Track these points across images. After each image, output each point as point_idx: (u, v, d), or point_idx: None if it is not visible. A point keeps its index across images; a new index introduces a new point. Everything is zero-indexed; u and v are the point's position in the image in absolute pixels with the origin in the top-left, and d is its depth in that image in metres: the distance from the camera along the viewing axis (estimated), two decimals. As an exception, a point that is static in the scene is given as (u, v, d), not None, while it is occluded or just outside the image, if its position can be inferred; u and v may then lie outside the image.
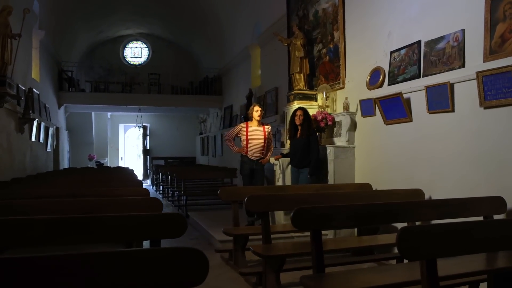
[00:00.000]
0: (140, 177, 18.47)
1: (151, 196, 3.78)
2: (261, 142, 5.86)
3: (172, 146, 18.55)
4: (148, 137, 18.73)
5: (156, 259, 1.53)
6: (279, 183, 5.93)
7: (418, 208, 3.07)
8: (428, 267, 1.86)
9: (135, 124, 16.89)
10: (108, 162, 17.19)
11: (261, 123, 5.95)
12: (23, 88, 7.56)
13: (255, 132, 5.86)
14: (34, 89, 8.63)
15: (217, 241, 5.37)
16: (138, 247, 3.18)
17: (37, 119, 8.32)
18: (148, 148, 18.64)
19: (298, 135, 5.65)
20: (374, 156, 5.27)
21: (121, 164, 18.28)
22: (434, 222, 3.38)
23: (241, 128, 5.95)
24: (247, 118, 10.40)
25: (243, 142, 5.92)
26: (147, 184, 17.33)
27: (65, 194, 3.75)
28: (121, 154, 19.07)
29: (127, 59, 17.58)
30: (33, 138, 8.13)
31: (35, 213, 2.86)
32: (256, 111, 5.85)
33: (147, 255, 1.54)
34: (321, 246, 2.69)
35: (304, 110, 5.62)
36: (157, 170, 13.48)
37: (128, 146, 20.22)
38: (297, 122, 5.60)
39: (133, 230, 2.39)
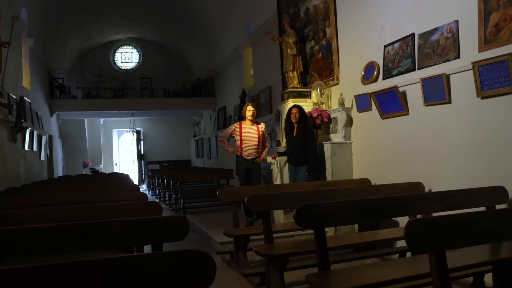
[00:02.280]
0: (136, 182, 18.41)
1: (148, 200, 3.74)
2: (255, 141, 5.82)
3: (167, 149, 18.46)
4: (142, 142, 18.63)
5: (162, 263, 1.50)
6: (277, 182, 5.90)
7: (420, 201, 3.06)
8: (438, 259, 1.84)
9: (128, 129, 16.77)
10: (103, 168, 17.06)
11: (254, 122, 5.91)
12: (14, 97, 7.46)
13: (248, 132, 5.82)
14: (25, 98, 8.51)
15: (217, 243, 5.34)
16: (139, 252, 3.14)
17: (29, 128, 8.22)
18: (142, 152, 18.53)
19: (294, 133, 5.62)
20: (372, 151, 5.26)
21: (116, 170, 18.16)
22: (436, 214, 3.37)
23: (235, 128, 5.91)
24: (242, 118, 10.40)
25: (238, 142, 5.88)
26: (143, 188, 17.23)
27: (64, 201, 3.70)
28: (115, 160, 18.94)
29: (118, 64, 17.47)
30: (26, 147, 8.03)
31: (34, 222, 2.80)
32: (249, 111, 5.81)
33: (154, 259, 1.51)
34: (326, 243, 2.66)
35: (299, 108, 5.60)
36: (153, 174, 13.41)
37: (122, 151, 20.09)
38: (293, 120, 5.58)
39: (135, 235, 2.35)
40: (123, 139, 19.72)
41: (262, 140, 5.96)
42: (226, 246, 5.04)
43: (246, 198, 3.53)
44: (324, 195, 3.82)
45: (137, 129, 17.88)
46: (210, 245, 5.69)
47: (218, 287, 3.98)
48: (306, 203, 2.67)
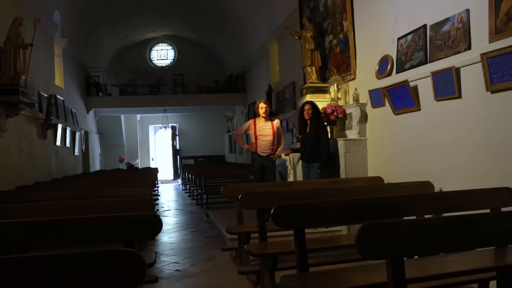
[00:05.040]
0: (171, 177, 18.86)
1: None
2: (270, 137, 5.76)
3: (202, 145, 18.75)
4: (177, 137, 19.01)
5: (92, 261, 1.51)
6: (291, 178, 5.83)
7: (413, 203, 2.88)
8: (394, 267, 1.73)
9: (161, 125, 17.16)
10: (139, 163, 17.57)
11: (269, 118, 5.85)
12: (46, 96, 7.82)
13: (263, 128, 5.77)
14: (58, 96, 8.92)
15: (228, 240, 5.36)
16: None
17: (61, 124, 8.59)
18: (177, 148, 18.91)
19: (307, 130, 5.52)
20: (386, 148, 5.07)
21: (152, 164, 18.65)
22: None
23: (249, 125, 5.89)
24: (270, 114, 10.33)
25: (252, 139, 5.86)
26: (177, 183, 17.61)
27: (65, 197, 3.84)
28: (152, 155, 19.45)
29: (154, 62, 17.89)
30: (58, 143, 8.40)
31: (26, 216, 2.91)
32: (261, 108, 5.76)
33: (85, 257, 1.52)
34: (305, 244, 2.59)
35: (312, 104, 5.48)
36: (183, 169, 13.67)
37: (162, 146, 20.56)
38: (306, 117, 5.47)
39: (107, 232, 2.38)
40: (161, 134, 20.19)
41: (277, 136, 5.90)
42: (235, 243, 5.05)
43: (239, 196, 3.50)
44: (324, 193, 3.71)
45: (172, 125, 18.26)
46: (223, 241, 5.71)
47: (219, 283, 4.04)
48: (284, 203, 2.60)
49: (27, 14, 6.80)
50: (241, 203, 3.49)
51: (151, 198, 3.99)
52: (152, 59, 17.90)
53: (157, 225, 2.43)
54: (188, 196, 11.82)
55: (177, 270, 4.47)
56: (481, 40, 3.55)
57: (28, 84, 6.14)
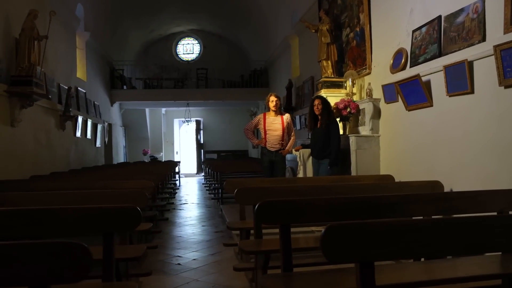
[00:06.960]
0: (195, 170, 18.99)
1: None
2: (279, 132, 5.63)
3: (226, 139, 18.77)
4: (201, 131, 19.11)
5: (35, 252, 1.47)
6: (300, 175, 5.70)
7: (410, 203, 2.72)
8: (363, 272, 1.60)
9: (184, 119, 17.26)
10: (163, 156, 17.76)
11: (279, 112, 5.73)
12: (66, 87, 7.97)
13: (272, 123, 5.65)
14: (79, 88, 9.09)
15: (235, 235, 5.30)
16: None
17: (81, 116, 8.75)
18: (201, 142, 19.01)
19: (318, 125, 5.37)
20: (397, 145, 4.86)
21: (177, 158, 18.83)
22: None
23: (259, 120, 5.78)
24: (288, 109, 10.19)
25: (262, 134, 5.75)
26: (201, 177, 17.72)
27: (69, 187, 3.88)
28: (176, 148, 19.64)
29: (179, 56, 18.01)
30: (78, 134, 8.56)
31: (19, 205, 2.94)
32: (272, 102, 5.64)
33: (31, 248, 1.48)
34: (290, 243, 2.48)
35: (322, 99, 5.32)
36: (205, 164, 13.72)
37: (186, 140, 20.72)
38: (316, 112, 5.32)
39: (86, 223, 2.35)
40: (186, 128, 20.34)
41: (288, 131, 5.76)
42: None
43: (235, 191, 3.42)
44: (326, 191, 3.59)
45: (196, 119, 18.34)
46: (231, 236, 5.66)
47: (216, 278, 3.99)
48: (269, 199, 2.51)
49: (48, 8, 6.93)
50: (237, 199, 3.41)
51: (149, 191, 3.96)
52: (178, 53, 18.02)
53: (135, 218, 2.38)
54: (207, 190, 11.85)
55: (178, 264, 4.44)
56: (496, 32, 3.31)
57: (47, 76, 6.26)
